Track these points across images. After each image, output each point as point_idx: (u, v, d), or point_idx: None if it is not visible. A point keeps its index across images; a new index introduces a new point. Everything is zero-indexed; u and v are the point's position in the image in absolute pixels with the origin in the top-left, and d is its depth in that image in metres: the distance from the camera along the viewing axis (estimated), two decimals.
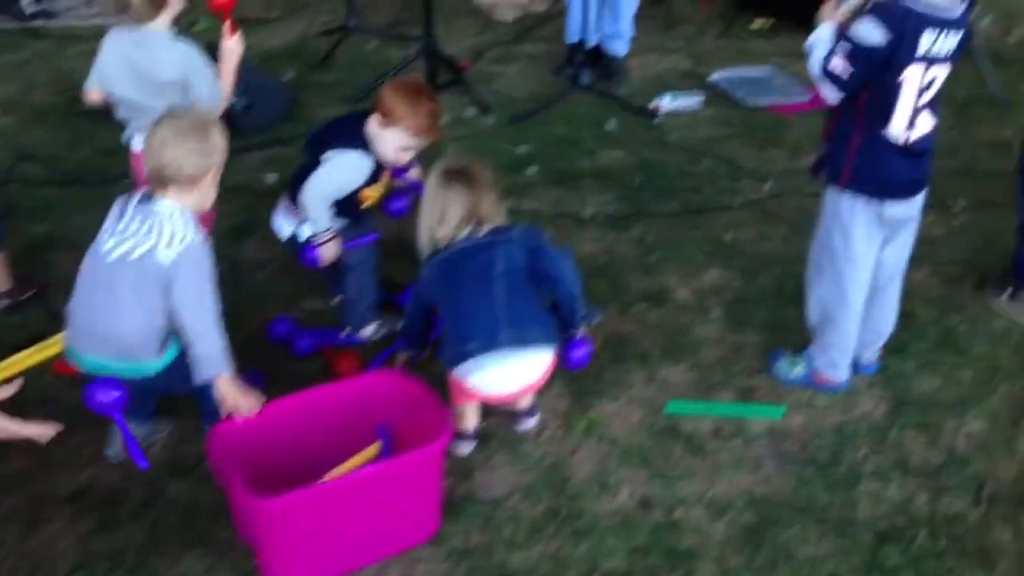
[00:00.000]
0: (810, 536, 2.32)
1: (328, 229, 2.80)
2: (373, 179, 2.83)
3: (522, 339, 2.39)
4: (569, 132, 4.49)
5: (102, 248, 2.33)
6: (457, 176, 2.55)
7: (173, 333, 2.31)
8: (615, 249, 3.53)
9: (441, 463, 2.28)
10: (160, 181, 2.26)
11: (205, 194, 2.34)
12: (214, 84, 2.79)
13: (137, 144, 2.92)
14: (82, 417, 2.62)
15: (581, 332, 2.57)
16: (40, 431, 2.09)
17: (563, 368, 2.57)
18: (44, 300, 3.28)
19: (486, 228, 2.50)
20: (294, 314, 3.14)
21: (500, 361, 2.38)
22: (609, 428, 2.66)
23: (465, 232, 2.49)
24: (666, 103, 4.65)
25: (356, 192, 2.82)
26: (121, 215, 2.34)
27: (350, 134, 2.79)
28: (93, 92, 2.93)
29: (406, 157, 2.86)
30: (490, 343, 2.37)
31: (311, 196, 2.75)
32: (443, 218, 2.51)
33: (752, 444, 2.60)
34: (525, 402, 2.63)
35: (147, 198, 2.30)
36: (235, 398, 2.28)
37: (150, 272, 2.23)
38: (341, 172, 2.77)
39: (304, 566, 2.17)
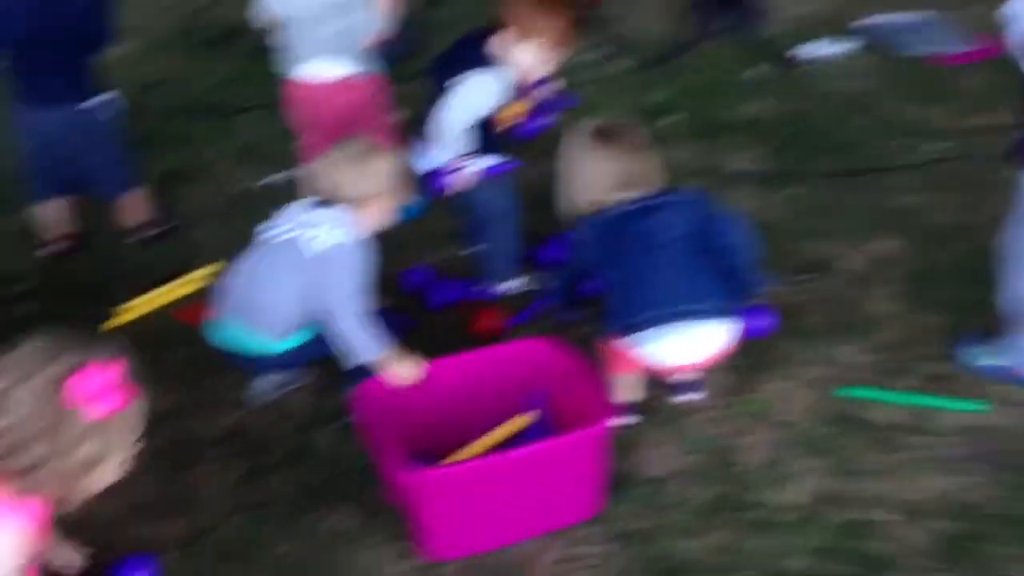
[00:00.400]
0: None
1: (461, 156, 2.67)
2: (506, 100, 2.67)
3: (700, 311, 2.22)
4: (708, 79, 4.21)
5: (273, 231, 2.39)
6: (607, 138, 2.36)
7: (305, 323, 2.34)
8: (767, 211, 3.27)
9: (604, 443, 2.13)
10: (332, 199, 2.35)
11: (376, 215, 2.38)
12: (372, 10, 2.82)
13: (298, 72, 2.93)
14: (223, 361, 2.56)
15: (758, 300, 2.38)
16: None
17: (741, 339, 2.38)
18: (181, 233, 3.23)
19: (645, 192, 2.32)
20: (431, 263, 3.01)
21: (677, 332, 2.21)
22: (779, 410, 2.47)
23: (622, 196, 2.31)
24: (809, 50, 4.32)
25: (491, 116, 2.67)
26: (299, 212, 2.39)
27: (476, 55, 2.62)
28: (268, 10, 2.89)
29: (541, 72, 2.67)
30: (667, 314, 2.20)
31: (442, 122, 2.62)
32: (591, 184, 2.35)
33: (946, 441, 2.35)
34: (691, 374, 2.46)
35: (326, 203, 2.36)
36: (395, 372, 2.23)
37: (298, 258, 2.29)
38: (472, 95, 2.62)
39: (458, 537, 2.07)
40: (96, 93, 2.94)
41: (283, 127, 3.42)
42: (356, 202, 2.33)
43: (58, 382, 1.42)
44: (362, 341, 2.24)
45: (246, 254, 2.41)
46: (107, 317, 2.79)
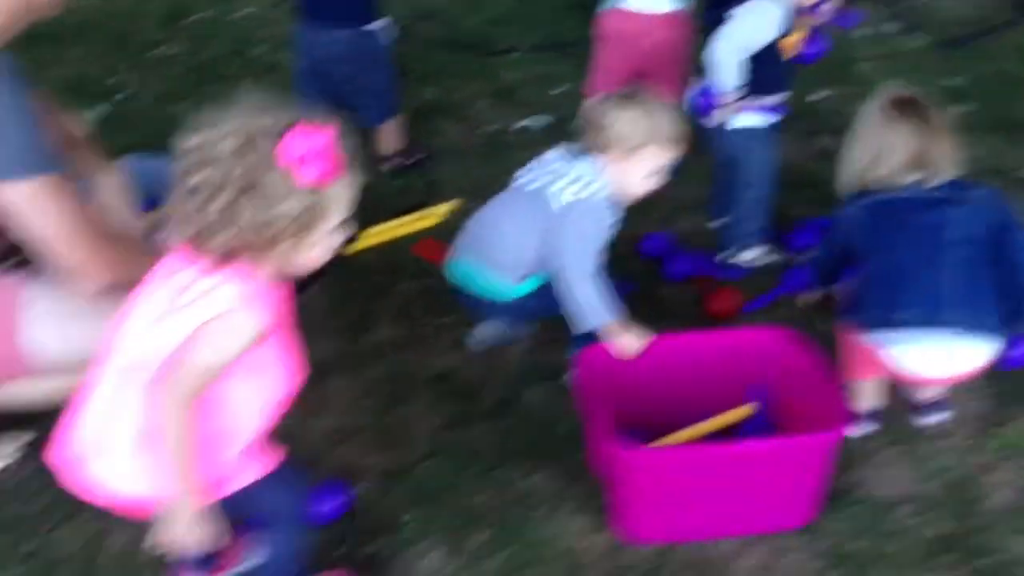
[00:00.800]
0: None
1: (735, 88, 2.57)
2: (786, 28, 2.53)
3: (968, 323, 1.98)
4: (1017, 68, 3.77)
5: (524, 178, 2.31)
6: (907, 110, 2.13)
7: (540, 273, 2.26)
8: None
9: (833, 451, 1.96)
10: (598, 143, 2.19)
11: (636, 173, 2.20)
12: None
13: (628, 2, 2.92)
14: (448, 299, 2.59)
15: None
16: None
17: (998, 366, 2.13)
18: (428, 167, 3.29)
19: (936, 179, 2.09)
20: (674, 231, 2.90)
21: (935, 340, 1.99)
22: None
23: (909, 179, 2.09)
24: None
25: (772, 46, 2.54)
26: (556, 159, 2.29)
27: None
28: None
29: None
30: (930, 318, 1.98)
31: (718, 50, 2.53)
32: (881, 157, 2.13)
33: None
34: (936, 392, 2.22)
35: (585, 151, 2.23)
36: (620, 342, 2.13)
37: (544, 207, 2.20)
38: (752, 22, 2.52)
39: (658, 522, 1.98)
40: (377, 18, 3.01)
41: (544, 71, 3.42)
42: (619, 152, 2.17)
43: (266, 137, 1.36)
44: (591, 304, 2.15)
45: (497, 196, 2.36)
46: (349, 241, 2.90)
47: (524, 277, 2.28)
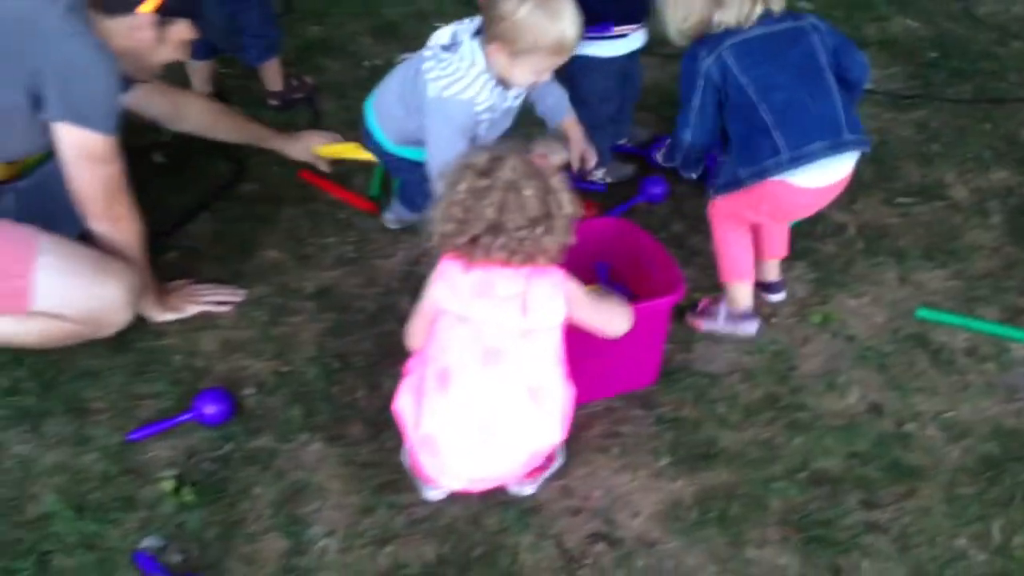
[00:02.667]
0: None
1: None
2: None
3: (861, 140, 2.18)
4: None
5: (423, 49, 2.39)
6: None
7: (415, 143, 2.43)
8: (891, 130, 3.21)
9: (668, 318, 2.24)
10: (489, 31, 2.23)
11: (517, 68, 2.24)
12: None
13: None
14: (331, 220, 2.78)
15: None
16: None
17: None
18: (313, 102, 3.43)
19: (777, 8, 2.20)
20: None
21: (836, 161, 2.17)
22: (848, 325, 2.49)
23: (757, 12, 2.18)
24: None
25: None
26: (451, 35, 2.34)
27: None
28: None
29: None
30: (837, 143, 2.13)
31: None
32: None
33: (1010, 371, 2.36)
34: (775, 273, 2.50)
35: (476, 32, 2.29)
36: None
37: (420, 88, 2.33)
38: None
39: None
40: None
41: (426, 7, 3.53)
42: (506, 47, 2.19)
43: (548, 178, 1.77)
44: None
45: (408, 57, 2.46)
46: (238, 169, 3.04)
47: (400, 142, 2.49)
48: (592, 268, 2.44)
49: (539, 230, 1.77)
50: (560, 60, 2.29)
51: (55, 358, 2.34)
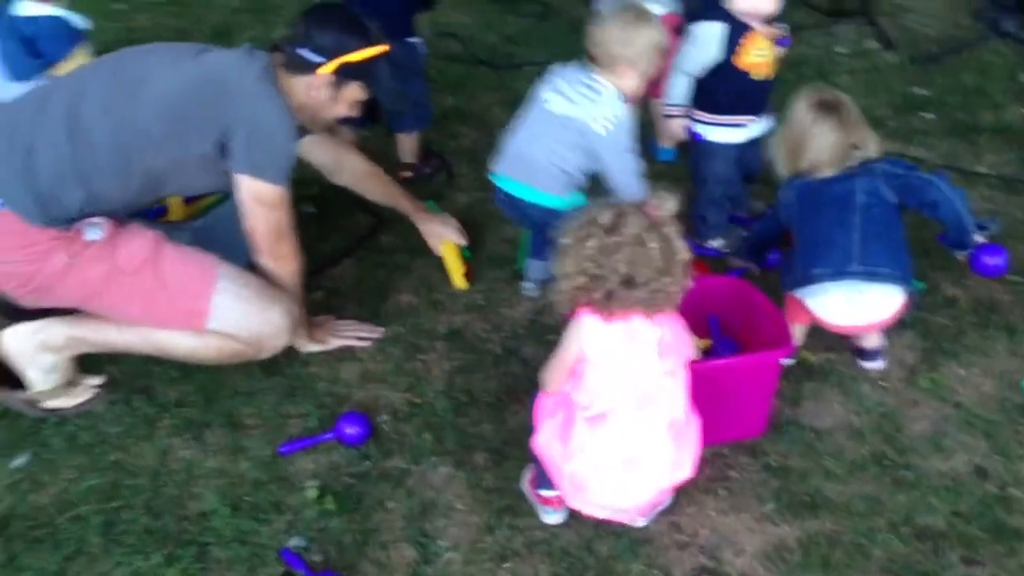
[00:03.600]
0: None
1: (676, 104, 2.96)
2: (732, 48, 2.81)
3: (872, 274, 2.39)
4: (977, 81, 4.19)
5: (542, 95, 2.72)
6: (828, 109, 2.53)
7: (581, 187, 2.73)
8: (1005, 212, 3.30)
9: (779, 370, 2.38)
10: (604, 59, 2.60)
11: (634, 82, 2.63)
12: None
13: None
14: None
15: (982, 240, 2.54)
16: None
17: (977, 273, 2.63)
18: (447, 169, 3.71)
19: (856, 160, 2.51)
20: None
21: (845, 291, 2.41)
22: (956, 392, 2.58)
23: (834, 164, 2.51)
24: None
25: (725, 66, 2.83)
26: (562, 76, 2.70)
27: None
28: None
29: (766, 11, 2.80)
30: (838, 272, 2.40)
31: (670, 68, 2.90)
32: (808, 149, 2.53)
33: None
34: (872, 341, 2.61)
35: (586, 69, 2.65)
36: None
37: (579, 134, 2.62)
38: (691, 43, 2.86)
39: None
40: (415, 34, 3.44)
41: None
42: (623, 63, 2.57)
43: (665, 229, 1.94)
44: (641, 194, 2.57)
45: (525, 118, 2.76)
46: (377, 222, 3.33)
47: (570, 189, 2.72)
48: (705, 322, 2.60)
49: (666, 279, 1.93)
50: (660, 62, 2.66)
51: (217, 377, 2.62)
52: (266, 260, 2.55)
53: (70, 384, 2.54)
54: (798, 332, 2.62)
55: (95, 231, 2.34)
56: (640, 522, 2.20)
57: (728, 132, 2.96)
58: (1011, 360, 2.67)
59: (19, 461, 2.39)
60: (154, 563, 2.14)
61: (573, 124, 2.63)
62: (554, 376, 2.09)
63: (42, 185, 2.27)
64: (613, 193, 2.65)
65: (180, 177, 2.44)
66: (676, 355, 2.02)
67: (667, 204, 1.99)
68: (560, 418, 2.07)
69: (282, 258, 2.56)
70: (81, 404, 2.54)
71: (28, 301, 2.41)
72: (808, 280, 2.45)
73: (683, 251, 1.97)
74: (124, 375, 2.64)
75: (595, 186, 2.75)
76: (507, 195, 2.82)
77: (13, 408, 2.51)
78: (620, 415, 1.99)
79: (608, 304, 1.95)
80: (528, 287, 2.98)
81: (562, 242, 2.00)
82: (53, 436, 2.46)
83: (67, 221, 2.31)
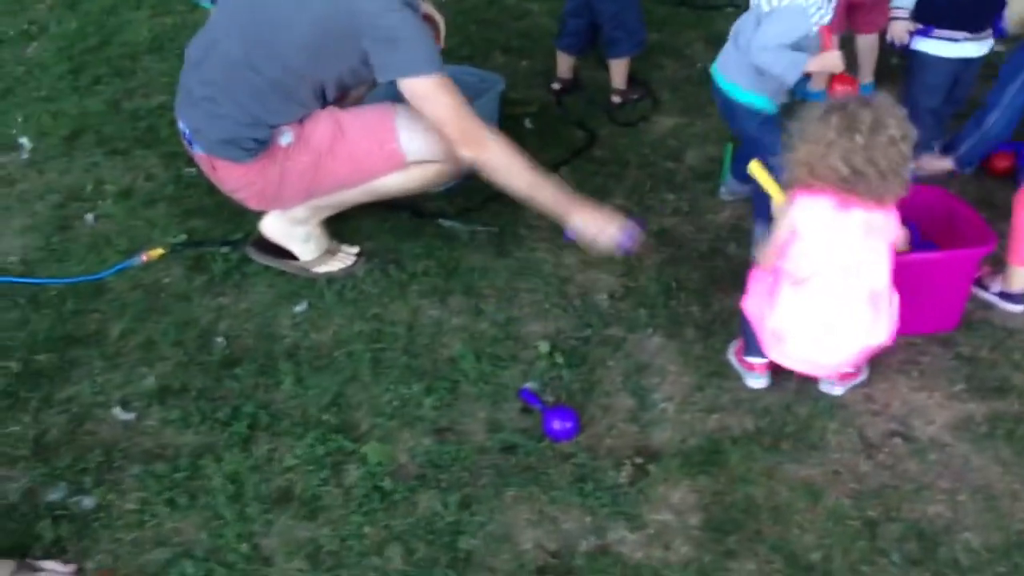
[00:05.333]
0: None
1: (905, 7, 3.11)
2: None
3: None
4: None
5: None
6: None
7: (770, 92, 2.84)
8: None
9: (974, 270, 2.59)
10: None
11: None
12: None
13: None
14: (669, 182, 3.31)
15: None
16: None
17: None
18: (652, 96, 4.01)
19: None
20: None
21: None
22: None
23: None
24: None
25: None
26: None
27: None
28: None
29: None
30: None
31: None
32: None
33: None
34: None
35: None
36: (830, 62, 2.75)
37: (755, 18, 2.76)
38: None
39: None
40: None
41: None
42: None
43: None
44: (789, 65, 2.66)
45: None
46: (591, 137, 3.67)
47: (760, 88, 2.83)
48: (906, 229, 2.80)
49: (895, 176, 2.15)
50: None
51: (455, 255, 3.03)
52: (465, 151, 2.64)
53: (330, 252, 3.00)
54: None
55: (286, 136, 2.71)
56: (837, 389, 2.46)
57: (942, 46, 3.10)
58: None
59: (299, 307, 2.86)
60: (415, 391, 2.56)
61: (754, 11, 2.79)
62: (767, 252, 2.37)
63: (233, 133, 2.65)
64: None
65: (340, 84, 2.71)
66: (883, 238, 2.25)
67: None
68: (768, 283, 2.36)
69: (477, 143, 2.62)
70: (345, 268, 3.00)
71: (270, 208, 2.88)
72: None
73: (908, 149, 2.16)
74: (377, 248, 3.08)
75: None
76: (715, 86, 3.03)
77: (290, 272, 3.00)
78: (823, 281, 2.25)
79: (851, 192, 2.17)
80: (723, 191, 3.26)
81: (815, 131, 2.17)
82: (325, 291, 2.92)
83: (265, 144, 2.68)
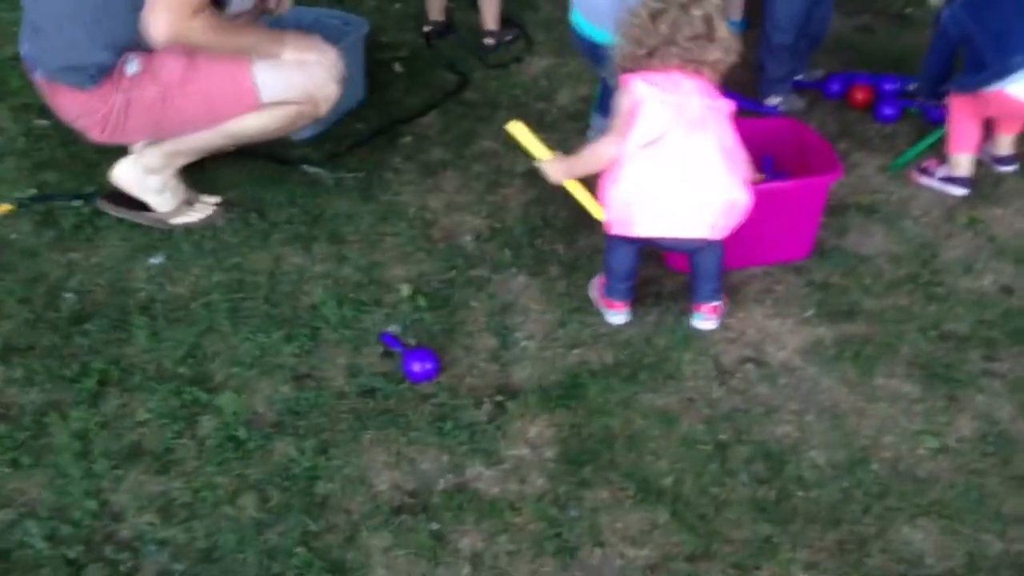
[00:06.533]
0: None
1: None
2: None
3: None
4: None
5: None
6: None
7: None
8: None
9: (824, 197, 2.64)
10: None
11: None
12: None
13: None
14: (539, 122, 3.29)
15: None
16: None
17: None
18: (525, 37, 3.96)
19: None
20: None
21: None
22: (991, 227, 2.81)
23: None
24: None
25: None
26: None
27: None
28: None
29: None
30: None
31: None
32: None
33: None
34: (1007, 146, 2.98)
35: None
36: None
37: None
38: None
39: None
40: None
41: None
42: None
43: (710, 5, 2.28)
44: None
45: None
46: (462, 81, 3.62)
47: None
48: (759, 161, 2.84)
49: (705, 43, 2.27)
50: None
51: (319, 201, 2.97)
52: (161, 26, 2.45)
53: (188, 203, 2.90)
54: (964, 162, 2.90)
55: (132, 65, 2.62)
56: (711, 324, 2.49)
57: None
58: None
59: (156, 260, 2.77)
60: (274, 339, 2.50)
61: None
62: (614, 126, 2.37)
63: (74, 60, 2.57)
64: None
65: None
66: (720, 101, 2.32)
67: None
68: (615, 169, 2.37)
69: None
70: (204, 218, 2.90)
71: (113, 140, 2.75)
72: (1009, 70, 2.68)
73: (726, 29, 2.29)
74: (239, 198, 2.99)
75: None
76: (578, 34, 3.04)
77: (145, 224, 2.89)
78: (673, 137, 2.28)
79: (649, 63, 2.30)
80: (590, 136, 3.25)
81: (616, 26, 2.37)
82: (182, 242, 2.82)
83: (108, 70, 2.59)
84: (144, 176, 2.83)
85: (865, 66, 3.60)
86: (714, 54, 2.30)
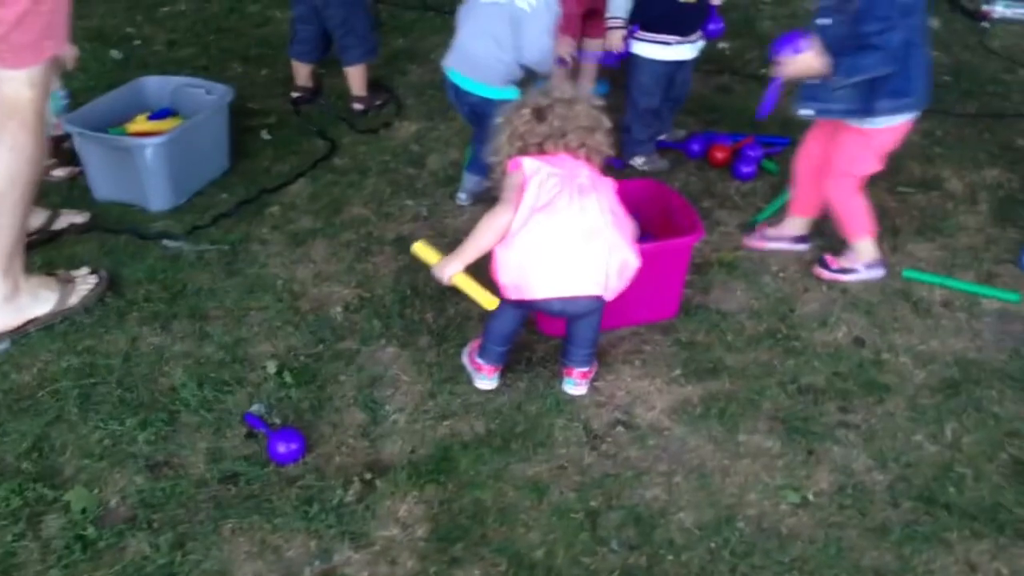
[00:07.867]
0: (1006, 399, 2.48)
1: (617, 17, 3.31)
2: None
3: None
4: None
5: None
6: None
7: (516, 80, 3.03)
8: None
9: (688, 257, 2.72)
10: None
11: None
12: None
13: None
14: (410, 188, 3.29)
15: None
16: None
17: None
18: (396, 101, 3.97)
19: None
20: None
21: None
22: (844, 281, 2.92)
23: None
24: (1000, 8, 4.52)
25: None
26: None
27: None
28: None
29: None
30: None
31: None
32: None
33: (978, 319, 2.76)
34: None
35: None
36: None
37: (509, 16, 2.94)
38: None
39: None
40: None
41: None
42: None
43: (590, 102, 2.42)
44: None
45: (468, 14, 3.08)
46: (331, 146, 3.59)
47: (506, 81, 3.02)
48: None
49: (596, 135, 2.38)
50: None
51: (181, 277, 2.87)
52: None
53: (65, 283, 2.74)
54: (870, 246, 2.89)
55: None
56: (580, 388, 2.49)
57: (655, 49, 3.27)
58: (894, 256, 3.02)
59: (1, 347, 2.62)
60: (128, 427, 2.39)
61: (504, 8, 2.93)
62: (499, 222, 2.36)
63: None
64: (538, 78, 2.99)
65: None
66: (602, 182, 2.41)
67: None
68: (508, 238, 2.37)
69: None
70: (96, 290, 2.76)
71: None
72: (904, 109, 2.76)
73: (606, 120, 2.41)
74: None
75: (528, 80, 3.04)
76: (454, 87, 3.09)
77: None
78: (564, 200, 2.32)
79: (541, 149, 2.39)
80: (462, 197, 3.27)
81: (498, 123, 2.41)
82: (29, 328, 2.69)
83: None
84: (5, 304, 2.64)
85: (725, 125, 3.73)
86: (602, 143, 2.42)
